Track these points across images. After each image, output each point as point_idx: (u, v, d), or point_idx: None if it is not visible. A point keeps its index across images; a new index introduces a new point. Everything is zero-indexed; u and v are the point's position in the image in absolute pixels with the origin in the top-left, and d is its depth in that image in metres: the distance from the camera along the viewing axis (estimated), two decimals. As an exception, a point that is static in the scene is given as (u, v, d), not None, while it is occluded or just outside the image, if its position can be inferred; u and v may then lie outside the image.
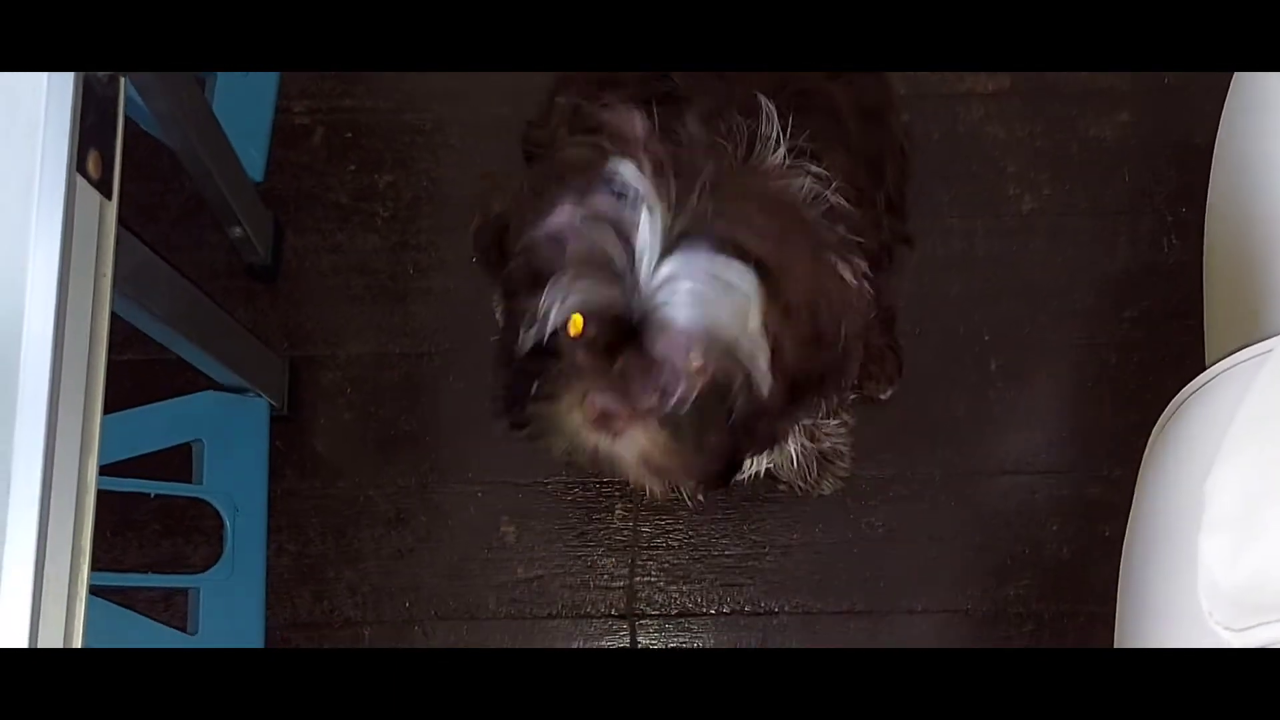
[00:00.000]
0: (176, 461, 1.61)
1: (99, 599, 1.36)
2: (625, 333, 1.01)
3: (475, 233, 1.21)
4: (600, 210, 1.01)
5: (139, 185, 1.72)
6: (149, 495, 1.60)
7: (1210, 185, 1.52)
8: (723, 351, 1.02)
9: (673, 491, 1.14)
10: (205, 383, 1.59)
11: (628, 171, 1.01)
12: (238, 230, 1.65)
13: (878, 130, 1.43)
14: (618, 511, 1.69)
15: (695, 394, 1.04)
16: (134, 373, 1.64)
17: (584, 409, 1.03)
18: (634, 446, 1.05)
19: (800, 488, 1.64)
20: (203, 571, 1.61)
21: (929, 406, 1.70)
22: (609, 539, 1.69)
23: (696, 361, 1.02)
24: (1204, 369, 1.20)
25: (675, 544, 1.68)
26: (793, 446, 1.37)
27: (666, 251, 0.99)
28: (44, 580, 0.88)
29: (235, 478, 1.61)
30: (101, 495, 0.95)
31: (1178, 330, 1.69)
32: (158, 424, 1.57)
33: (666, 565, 1.68)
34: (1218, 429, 1.11)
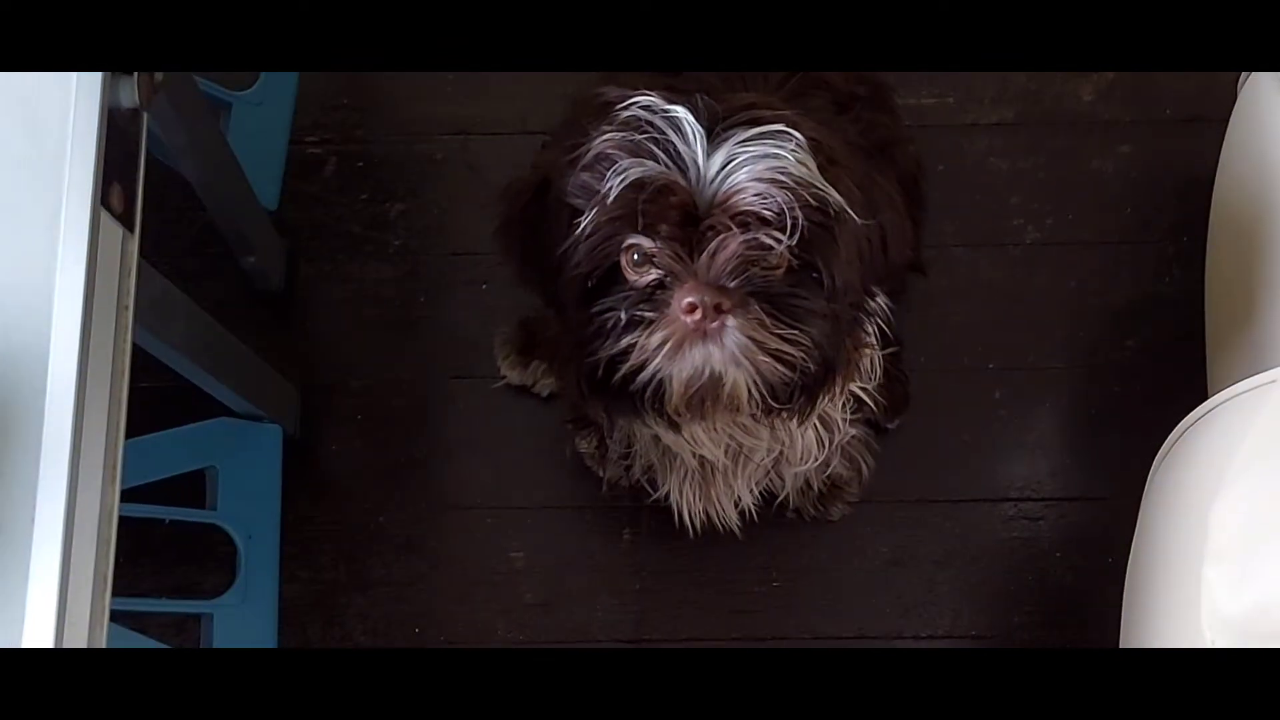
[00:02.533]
0: (190, 487, 1.61)
1: (114, 624, 1.35)
2: (695, 222, 1.02)
3: (501, 226, 1.20)
4: (640, 125, 1.04)
5: (152, 214, 1.58)
6: (163, 521, 1.60)
7: (1211, 216, 1.56)
8: (799, 195, 1.02)
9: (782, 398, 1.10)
10: (219, 409, 1.59)
11: (653, 99, 1.04)
12: (251, 259, 1.67)
13: (888, 164, 1.43)
14: (625, 536, 1.69)
15: (785, 261, 1.04)
16: (148, 400, 1.55)
17: (678, 313, 1.02)
18: (739, 337, 1.04)
19: (809, 514, 1.65)
20: (216, 597, 1.61)
21: (934, 434, 1.71)
22: (617, 564, 1.68)
23: (776, 209, 1.02)
24: (1206, 398, 1.20)
25: (682, 569, 1.68)
26: (813, 435, 1.36)
27: (714, 140, 1.02)
28: (67, 606, 0.89)
29: (248, 504, 1.61)
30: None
31: (1180, 359, 1.68)
32: (172, 450, 1.57)
33: (674, 591, 1.68)
34: (1220, 457, 1.12)
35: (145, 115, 1.03)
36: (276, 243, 1.72)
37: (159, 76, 1.02)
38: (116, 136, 0.99)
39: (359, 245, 1.79)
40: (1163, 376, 1.71)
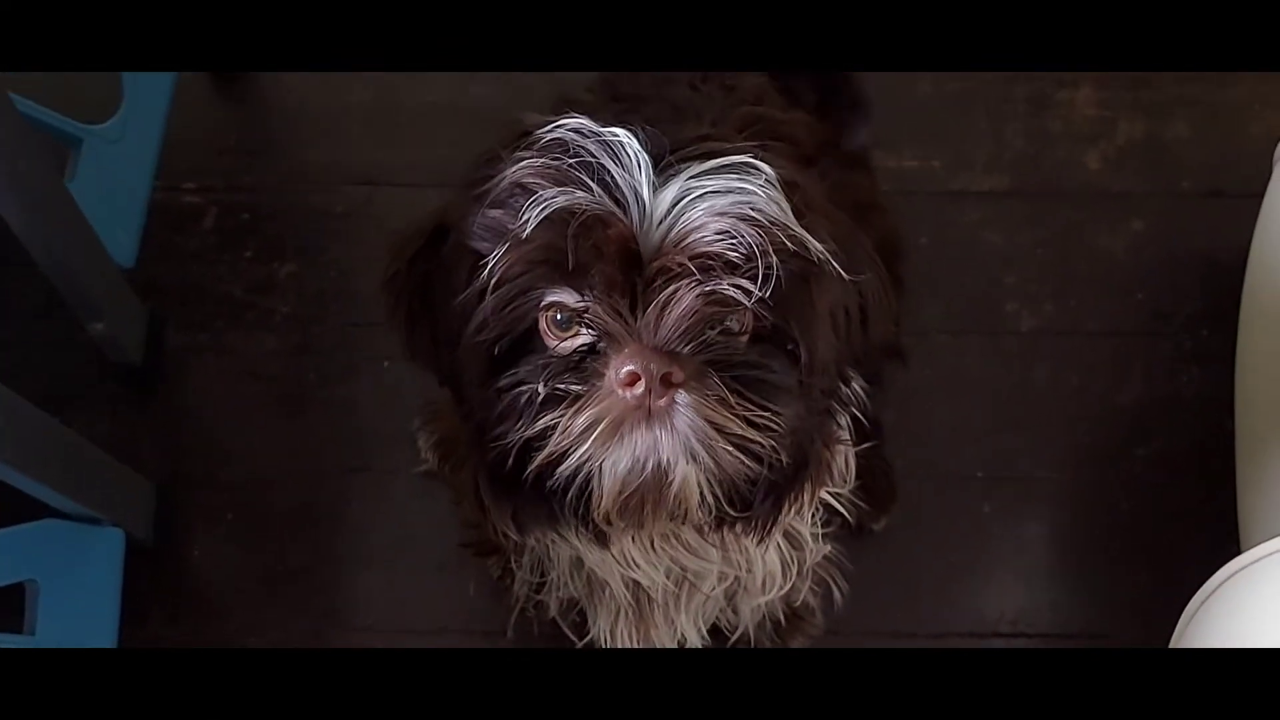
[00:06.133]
0: (6, 605, 1.39)
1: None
2: (638, 269, 0.86)
3: (386, 281, 1.00)
4: (570, 149, 0.87)
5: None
6: (-33, 646, 1.38)
7: (1243, 306, 1.46)
8: (773, 237, 0.86)
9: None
10: (45, 508, 1.38)
11: (585, 121, 0.88)
12: (99, 326, 1.47)
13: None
14: (547, 669, 1.47)
15: (750, 325, 0.89)
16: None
17: (614, 386, 0.84)
18: (693, 418, 0.86)
19: (763, 647, 1.44)
20: (39, 738, 1.37)
21: (911, 555, 1.55)
22: (536, 704, 1.47)
23: (745, 251, 0.85)
24: (1236, 524, 1.15)
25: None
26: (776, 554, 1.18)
27: (663, 174, 0.86)
28: None
29: (78, 627, 1.39)
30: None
31: (1202, 473, 1.54)
32: (-19, 558, 1.36)
33: (597, 740, 1.46)
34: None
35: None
36: (134, 307, 1.53)
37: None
38: None
39: (240, 312, 1.63)
40: (1181, 494, 1.56)
